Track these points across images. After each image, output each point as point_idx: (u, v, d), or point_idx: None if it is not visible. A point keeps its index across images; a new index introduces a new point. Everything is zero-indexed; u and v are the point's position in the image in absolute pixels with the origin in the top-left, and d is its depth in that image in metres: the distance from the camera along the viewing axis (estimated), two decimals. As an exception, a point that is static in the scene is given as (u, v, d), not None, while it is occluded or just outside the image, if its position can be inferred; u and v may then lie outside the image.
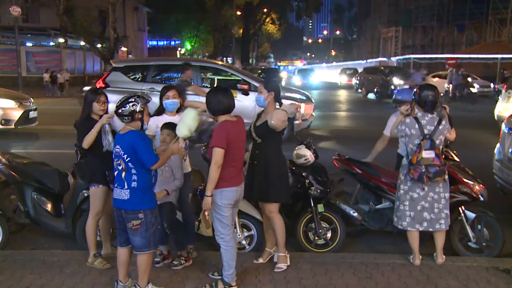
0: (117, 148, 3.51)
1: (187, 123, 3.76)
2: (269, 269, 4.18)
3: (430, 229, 4.24)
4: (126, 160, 3.46)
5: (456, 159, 4.78)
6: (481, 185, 4.61)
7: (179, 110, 4.39)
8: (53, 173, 4.94)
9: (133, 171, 3.47)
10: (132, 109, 3.50)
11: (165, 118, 4.27)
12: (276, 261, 4.24)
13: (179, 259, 4.23)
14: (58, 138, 10.53)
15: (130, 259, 3.72)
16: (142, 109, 3.55)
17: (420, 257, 4.34)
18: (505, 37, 32.24)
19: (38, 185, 4.82)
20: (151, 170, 3.55)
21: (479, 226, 4.63)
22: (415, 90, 4.34)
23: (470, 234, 4.58)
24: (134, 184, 3.47)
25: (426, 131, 4.10)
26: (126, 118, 3.52)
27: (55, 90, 24.36)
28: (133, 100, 3.52)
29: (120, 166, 3.50)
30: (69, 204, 4.67)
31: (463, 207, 4.62)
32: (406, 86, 16.56)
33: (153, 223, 3.57)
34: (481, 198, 4.57)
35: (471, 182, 4.59)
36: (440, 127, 4.14)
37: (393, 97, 5.31)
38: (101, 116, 4.15)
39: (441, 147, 4.20)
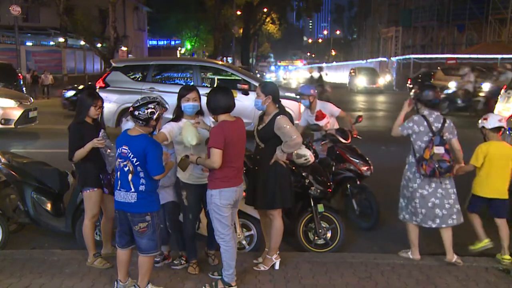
0: (124, 149, 3.42)
1: (193, 132, 3.73)
2: (269, 268, 4.18)
3: (443, 225, 4.28)
4: (135, 164, 3.40)
5: (344, 141, 5.36)
6: (367, 165, 5.30)
7: (198, 113, 4.09)
8: (53, 173, 4.94)
9: (141, 174, 3.42)
10: (149, 116, 3.42)
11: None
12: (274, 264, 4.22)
13: (180, 259, 4.23)
14: (58, 137, 10.55)
15: (130, 259, 3.71)
16: (158, 116, 3.48)
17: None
18: (505, 37, 32.20)
19: (38, 184, 4.82)
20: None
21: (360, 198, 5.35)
22: (414, 90, 4.51)
23: (355, 206, 5.35)
24: (142, 187, 3.43)
25: (434, 128, 4.19)
26: (141, 122, 3.43)
27: (37, 91, 23.37)
28: (152, 106, 3.42)
29: (126, 167, 3.42)
30: (69, 203, 4.67)
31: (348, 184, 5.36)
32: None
33: (159, 224, 3.57)
34: (366, 174, 5.25)
35: (357, 161, 5.28)
36: (446, 124, 4.24)
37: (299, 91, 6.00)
38: (93, 120, 4.13)
39: (448, 146, 4.26)
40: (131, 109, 3.45)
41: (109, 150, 3.98)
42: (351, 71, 34.16)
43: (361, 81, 30.70)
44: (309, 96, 5.72)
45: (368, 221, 5.41)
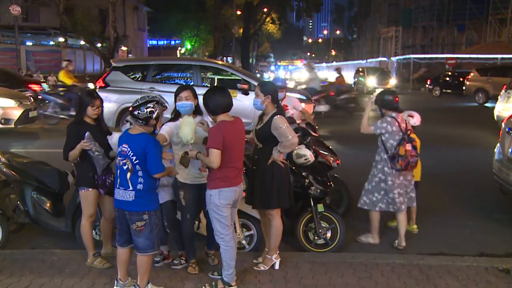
0: (124, 147, 3.43)
1: (192, 130, 3.72)
2: (269, 268, 4.17)
3: (404, 210, 4.87)
4: (134, 162, 3.40)
5: (314, 134, 5.36)
6: (334, 156, 5.50)
7: (196, 112, 4.08)
8: (53, 173, 4.94)
9: (140, 173, 3.42)
10: (148, 115, 3.42)
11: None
12: (274, 264, 4.21)
13: (180, 259, 4.23)
14: (58, 137, 10.53)
15: (130, 259, 3.71)
16: (158, 115, 3.48)
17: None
18: (505, 37, 32.21)
19: (38, 184, 4.82)
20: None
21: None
22: (375, 95, 4.94)
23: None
24: (140, 186, 3.43)
25: (402, 127, 4.70)
26: (141, 121, 3.44)
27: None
28: (151, 105, 3.42)
29: (125, 166, 3.43)
30: (69, 203, 4.67)
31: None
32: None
33: (157, 224, 3.56)
34: (334, 165, 5.43)
35: (325, 153, 5.49)
36: (408, 125, 4.80)
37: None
38: (95, 120, 4.13)
39: (415, 143, 4.83)
40: (130, 108, 3.45)
41: (97, 152, 3.97)
42: (360, 71, 32.48)
43: (371, 81, 28.89)
44: (284, 89, 6.00)
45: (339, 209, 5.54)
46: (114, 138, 3.95)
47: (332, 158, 5.52)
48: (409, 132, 4.74)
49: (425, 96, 27.25)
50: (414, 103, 21.65)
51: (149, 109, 3.41)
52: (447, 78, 27.01)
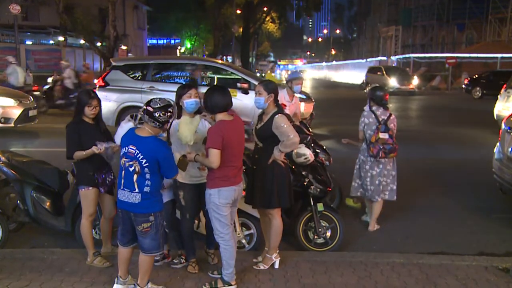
0: (131, 149, 3.37)
1: (192, 131, 3.72)
2: (268, 267, 4.17)
3: (379, 199, 5.27)
4: (144, 165, 3.35)
5: (308, 132, 5.32)
6: (327, 155, 5.55)
7: (197, 112, 4.09)
8: (53, 172, 4.94)
9: (148, 176, 3.39)
10: (167, 119, 3.42)
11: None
12: (274, 263, 4.22)
13: (179, 258, 4.23)
14: (57, 136, 10.53)
15: (131, 257, 3.71)
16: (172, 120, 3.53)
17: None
18: (505, 36, 32.26)
19: (37, 183, 4.82)
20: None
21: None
22: (369, 89, 5.46)
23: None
24: (147, 188, 3.40)
25: (381, 119, 5.16)
26: (157, 124, 3.40)
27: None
28: (171, 110, 3.42)
29: (132, 167, 3.37)
30: (69, 202, 4.66)
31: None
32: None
33: (162, 224, 3.56)
34: (326, 163, 5.43)
35: (318, 151, 5.46)
36: (391, 117, 5.22)
37: (289, 77, 6.21)
38: (93, 119, 4.12)
39: (391, 133, 5.17)
40: (150, 109, 3.38)
41: (114, 149, 3.96)
42: (376, 70, 30.99)
43: (392, 82, 27.63)
44: (302, 81, 6.10)
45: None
46: (129, 125, 3.92)
47: (324, 157, 5.53)
48: (392, 125, 5.17)
49: (462, 97, 25.12)
50: (395, 102, 21.07)
51: (169, 113, 3.42)
52: (492, 78, 24.20)
